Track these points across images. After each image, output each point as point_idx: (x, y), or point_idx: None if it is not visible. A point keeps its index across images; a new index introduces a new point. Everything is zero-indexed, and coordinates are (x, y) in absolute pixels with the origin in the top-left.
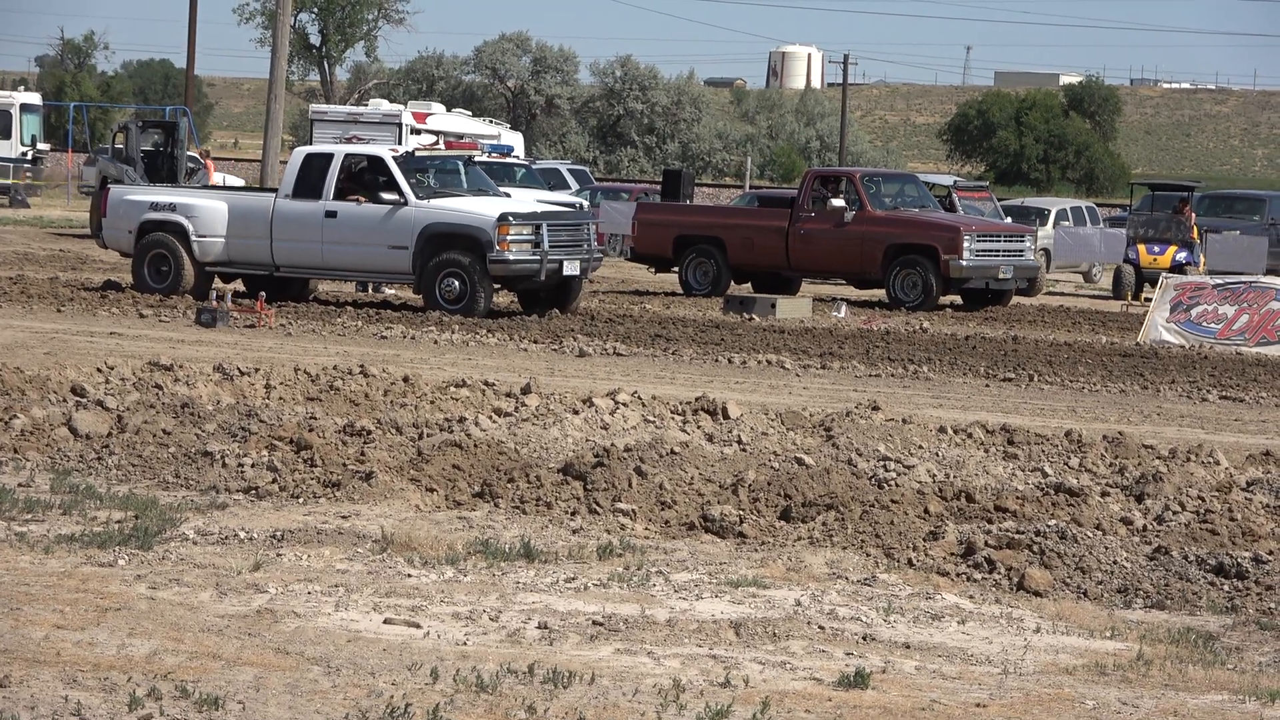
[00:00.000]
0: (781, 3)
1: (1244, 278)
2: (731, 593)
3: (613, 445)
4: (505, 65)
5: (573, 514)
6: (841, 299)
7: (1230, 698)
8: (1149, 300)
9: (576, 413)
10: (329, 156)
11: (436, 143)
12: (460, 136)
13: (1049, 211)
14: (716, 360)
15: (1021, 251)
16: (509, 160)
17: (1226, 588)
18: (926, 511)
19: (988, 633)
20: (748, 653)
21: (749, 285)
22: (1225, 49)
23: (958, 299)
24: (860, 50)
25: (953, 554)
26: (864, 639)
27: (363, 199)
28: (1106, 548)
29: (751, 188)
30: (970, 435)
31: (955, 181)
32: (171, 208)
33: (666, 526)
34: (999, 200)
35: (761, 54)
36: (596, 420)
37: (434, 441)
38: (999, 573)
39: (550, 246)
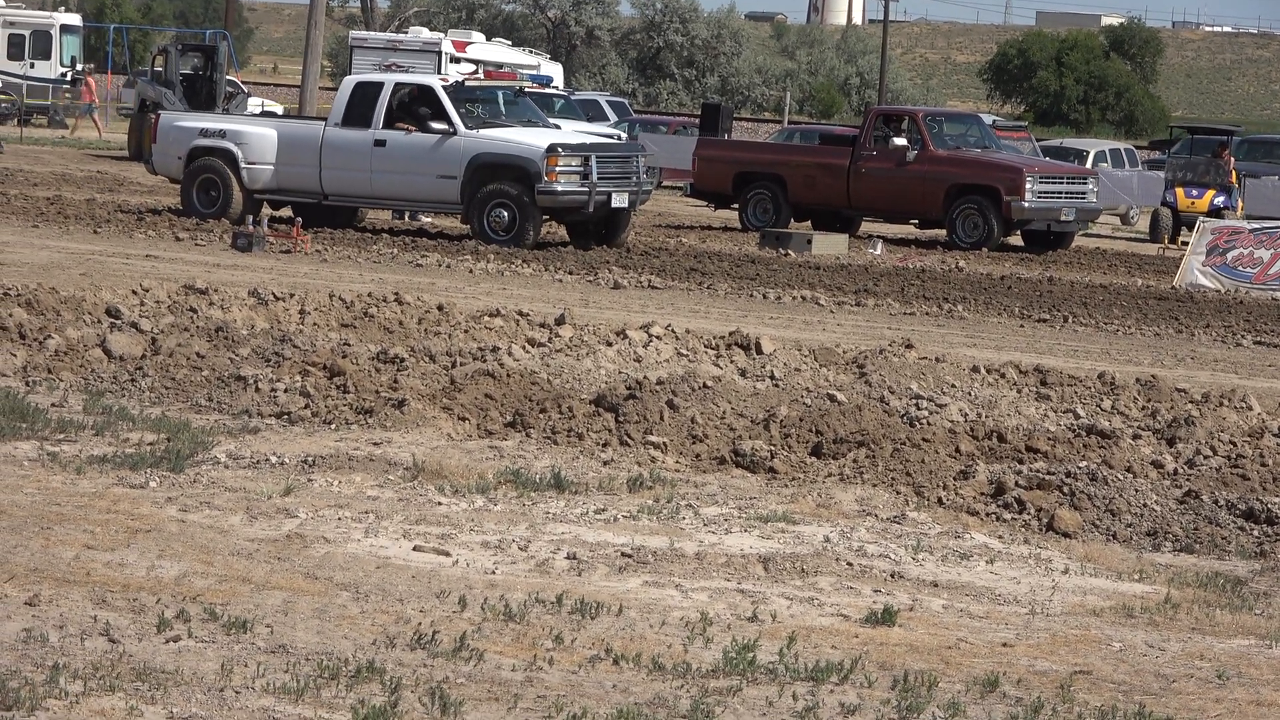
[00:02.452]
0: None
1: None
2: (761, 528)
3: (645, 378)
4: None
5: (604, 445)
6: (878, 236)
7: (1257, 642)
8: (1185, 244)
9: (610, 344)
10: (379, 85)
11: (476, 71)
12: (500, 66)
13: (1087, 153)
14: (751, 295)
15: (1084, 194)
16: (548, 91)
17: (1256, 533)
18: (958, 450)
19: (1016, 573)
20: (775, 588)
21: (809, 223)
22: None
23: (1019, 240)
24: None
25: (983, 494)
26: (892, 576)
27: (412, 128)
28: (1137, 490)
29: (790, 123)
30: (1003, 375)
31: (994, 121)
32: (221, 134)
33: (697, 460)
34: (1037, 140)
35: None
36: (630, 352)
37: (467, 370)
38: (1028, 513)
39: (599, 178)
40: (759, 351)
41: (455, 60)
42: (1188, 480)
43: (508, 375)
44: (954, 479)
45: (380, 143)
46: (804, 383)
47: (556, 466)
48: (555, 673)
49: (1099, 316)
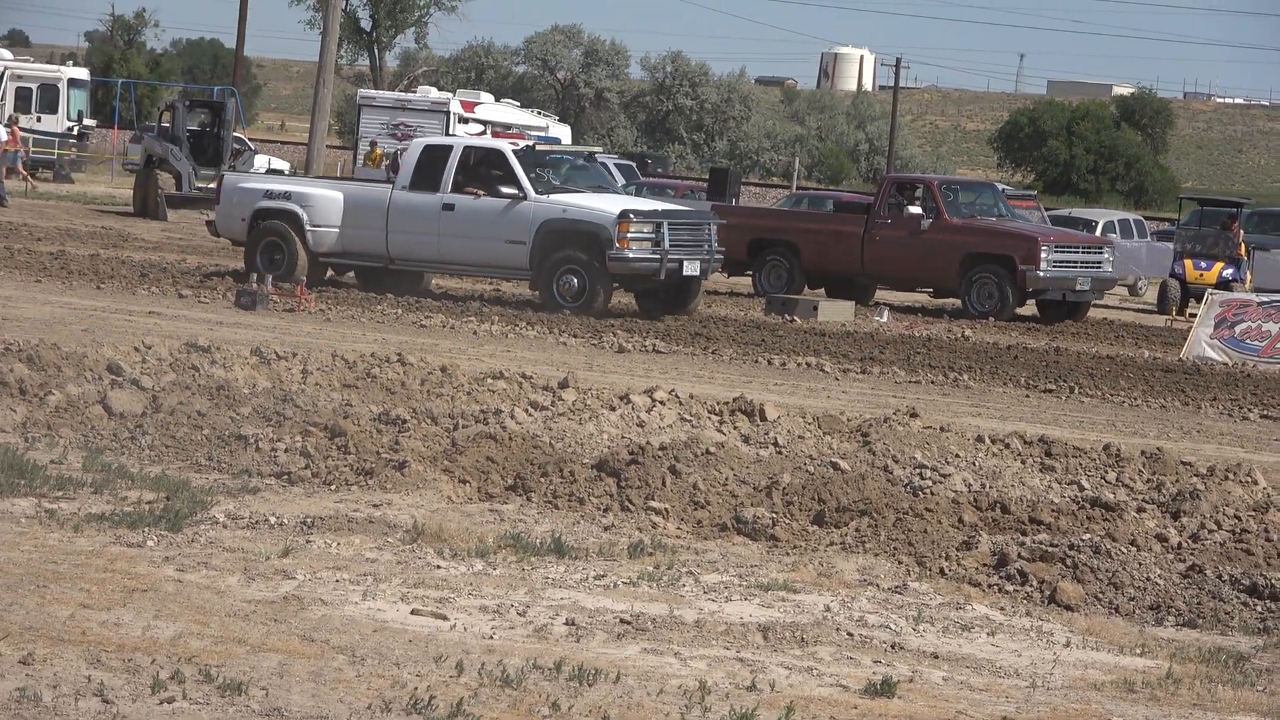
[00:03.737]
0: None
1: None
2: (761, 596)
3: (648, 443)
4: (556, 56)
5: (605, 510)
6: (884, 304)
7: (1261, 719)
8: (1194, 316)
9: (613, 409)
10: (448, 148)
11: (484, 132)
12: (508, 127)
13: (1096, 223)
14: (756, 361)
15: (1100, 263)
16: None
17: (1259, 609)
18: (961, 521)
19: (1017, 645)
20: (775, 657)
21: (823, 291)
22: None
23: (1034, 310)
24: (912, 54)
25: (985, 565)
26: (892, 647)
27: (481, 193)
28: (1140, 564)
29: (799, 188)
30: (1008, 445)
31: (1003, 189)
32: (287, 196)
33: (698, 527)
34: (1046, 210)
35: (813, 54)
36: (633, 417)
37: (469, 433)
38: (1031, 585)
39: (671, 245)
40: (763, 418)
41: (463, 120)
42: (1191, 554)
43: (509, 438)
44: (956, 549)
45: (449, 206)
46: (807, 450)
47: (557, 531)
48: None
49: (1105, 387)
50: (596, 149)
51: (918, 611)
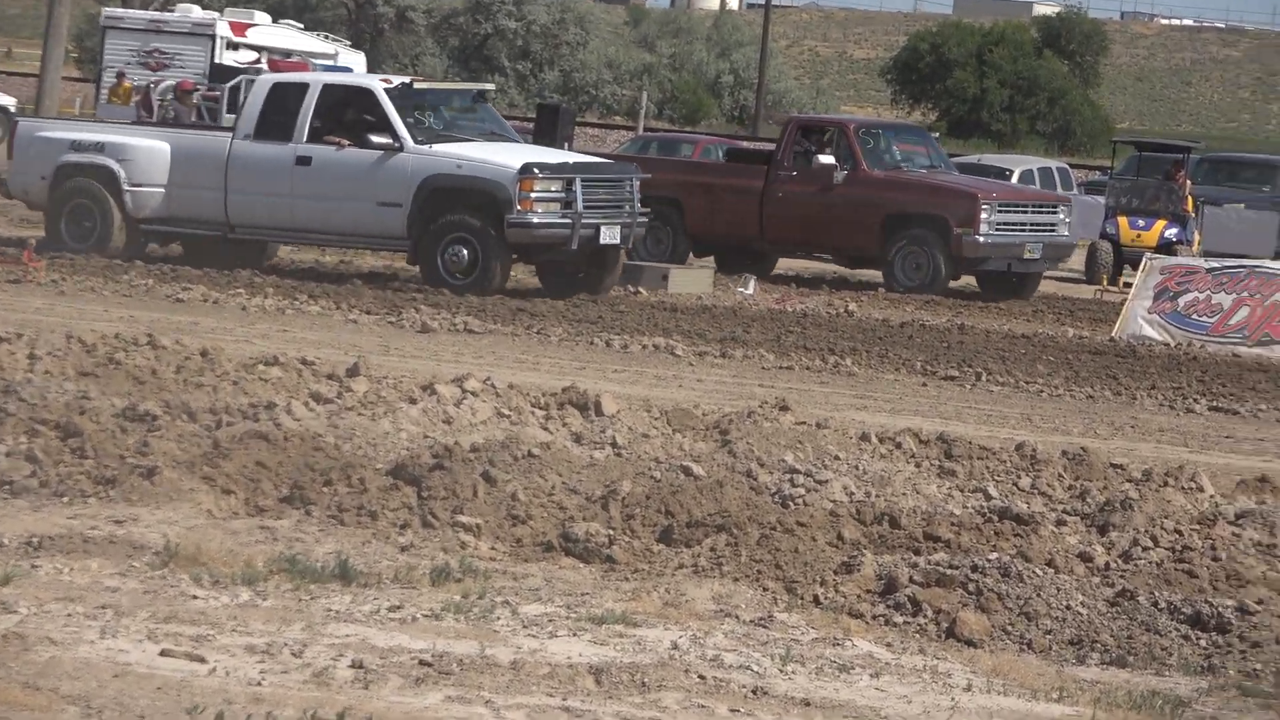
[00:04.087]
0: None
1: (1246, 261)
2: (594, 631)
3: (456, 444)
4: None
5: (403, 527)
6: (749, 274)
7: None
8: (1129, 285)
9: (414, 401)
10: (303, 87)
11: (258, 60)
12: (288, 54)
13: (1011, 172)
14: (592, 343)
15: (1054, 225)
16: None
17: (1203, 643)
18: (840, 538)
19: (907, 690)
20: (609, 705)
21: (712, 259)
22: None
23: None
24: None
25: (869, 591)
26: (754, 693)
27: (345, 143)
28: (1059, 589)
29: (646, 130)
30: (899, 445)
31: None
32: (99, 148)
33: (518, 546)
34: (951, 156)
35: None
36: (438, 412)
37: (235, 432)
38: (925, 616)
39: (585, 207)
40: (599, 413)
41: (233, 46)
42: (1122, 577)
43: (285, 439)
44: (834, 573)
45: (304, 160)
46: (653, 452)
47: (343, 553)
48: None
49: (1019, 373)
50: (488, 86)
51: (786, 649)
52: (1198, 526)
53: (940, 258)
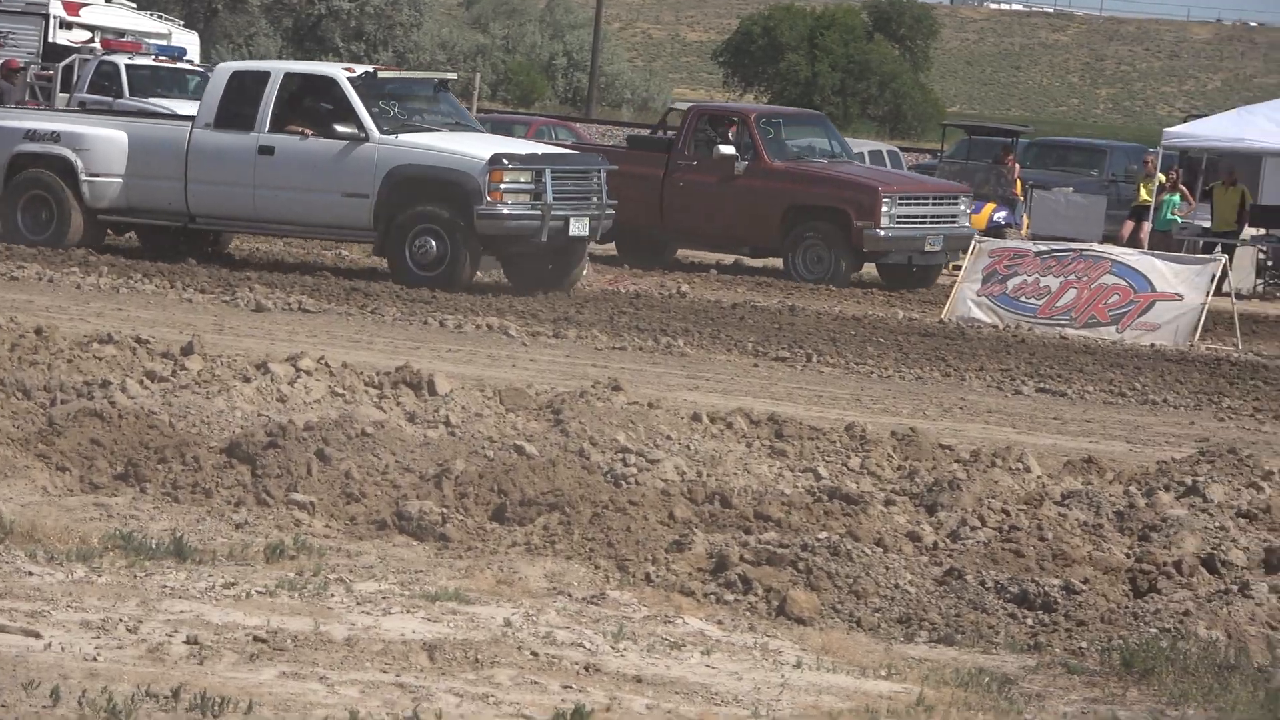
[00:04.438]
0: None
1: (1074, 245)
2: (427, 608)
3: (291, 422)
4: None
5: (237, 505)
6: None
7: None
8: (958, 269)
9: (248, 380)
10: (264, 75)
11: (91, 39)
12: (121, 34)
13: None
14: (426, 323)
15: (955, 217)
16: (180, 65)
17: (1030, 621)
18: (672, 517)
19: (737, 666)
20: (442, 682)
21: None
22: None
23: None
24: None
25: (701, 569)
26: (586, 669)
27: (309, 132)
28: (888, 568)
29: (480, 111)
30: (730, 425)
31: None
32: (55, 137)
33: (352, 524)
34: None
35: None
36: (272, 390)
37: (69, 410)
38: (755, 594)
39: (554, 199)
40: (432, 392)
41: (66, 25)
42: (950, 557)
43: (120, 416)
44: (666, 551)
45: (268, 150)
46: (486, 431)
47: (177, 530)
48: None
49: (850, 355)
50: (449, 75)
51: (618, 626)
52: (1025, 507)
53: (841, 251)
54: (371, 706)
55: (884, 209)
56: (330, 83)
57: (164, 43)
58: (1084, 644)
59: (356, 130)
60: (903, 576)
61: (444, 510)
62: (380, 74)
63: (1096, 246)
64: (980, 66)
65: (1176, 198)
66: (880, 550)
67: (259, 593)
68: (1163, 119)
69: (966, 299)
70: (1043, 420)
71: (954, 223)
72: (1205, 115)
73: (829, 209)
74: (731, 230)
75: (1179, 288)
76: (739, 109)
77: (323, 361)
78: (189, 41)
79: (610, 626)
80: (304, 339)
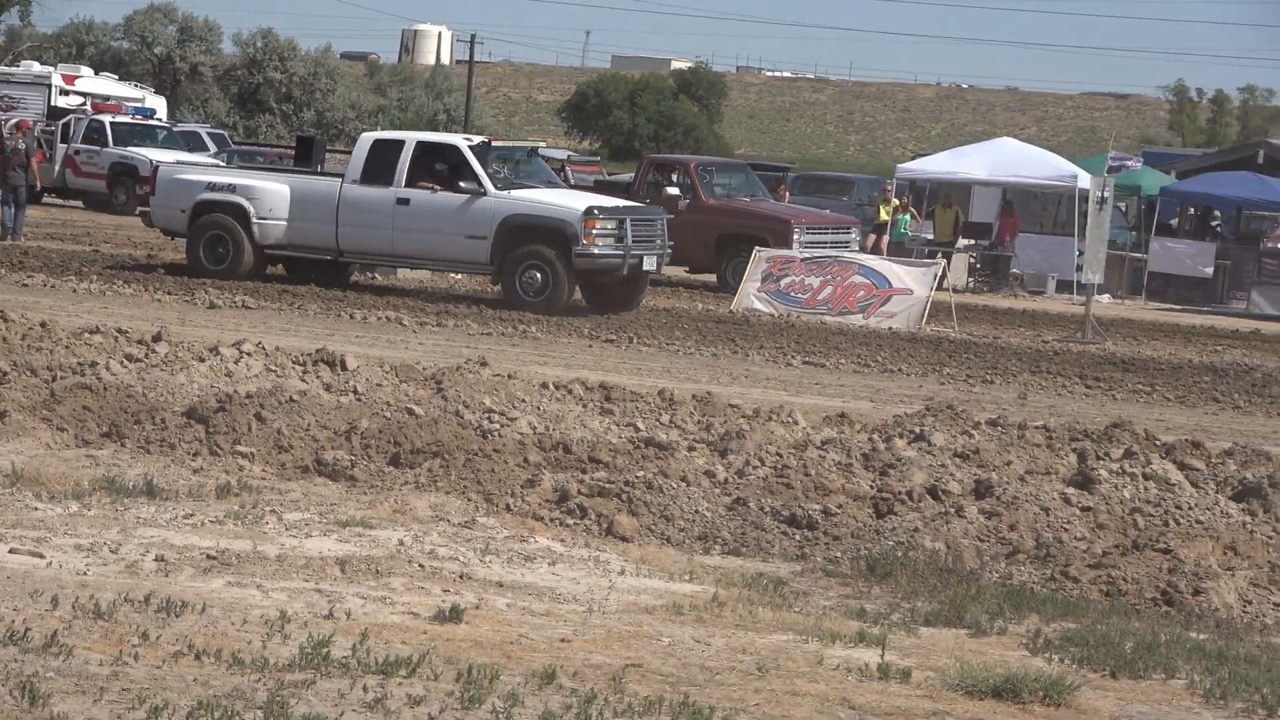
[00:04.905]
0: None
1: (830, 252)
2: (339, 532)
3: (235, 391)
4: (153, 33)
5: (194, 455)
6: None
7: (795, 637)
8: (744, 271)
9: (203, 360)
10: (400, 143)
11: (84, 103)
12: (107, 98)
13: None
14: (339, 316)
15: (848, 243)
16: (151, 122)
17: (797, 537)
18: (526, 461)
19: (576, 574)
20: (351, 588)
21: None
22: (824, 41)
23: None
24: (487, 31)
25: (548, 501)
26: (460, 577)
27: (437, 187)
28: (690, 498)
29: None
30: (570, 391)
31: (569, 155)
32: (231, 188)
33: (282, 469)
34: (611, 174)
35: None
36: (221, 368)
37: (66, 384)
38: (590, 519)
39: (633, 241)
40: (344, 368)
41: (65, 93)
42: (737, 489)
43: (105, 388)
44: (521, 487)
45: (404, 201)
46: (385, 397)
47: (149, 474)
48: (141, 667)
49: (661, 338)
50: (540, 144)
51: (485, 544)
52: (793, 450)
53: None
54: (297, 607)
55: (795, 236)
56: (454, 149)
57: (139, 105)
58: (839, 554)
59: (477, 186)
60: (701, 504)
61: (352, 458)
62: (493, 143)
63: (846, 254)
64: (759, 119)
65: (907, 216)
66: (684, 484)
67: (211, 522)
68: (897, 157)
69: (750, 294)
70: (807, 385)
71: (849, 247)
72: (929, 155)
73: (752, 236)
74: (676, 253)
75: (910, 284)
76: (682, 160)
77: (260, 346)
78: (158, 104)
79: (479, 545)
80: (246, 329)
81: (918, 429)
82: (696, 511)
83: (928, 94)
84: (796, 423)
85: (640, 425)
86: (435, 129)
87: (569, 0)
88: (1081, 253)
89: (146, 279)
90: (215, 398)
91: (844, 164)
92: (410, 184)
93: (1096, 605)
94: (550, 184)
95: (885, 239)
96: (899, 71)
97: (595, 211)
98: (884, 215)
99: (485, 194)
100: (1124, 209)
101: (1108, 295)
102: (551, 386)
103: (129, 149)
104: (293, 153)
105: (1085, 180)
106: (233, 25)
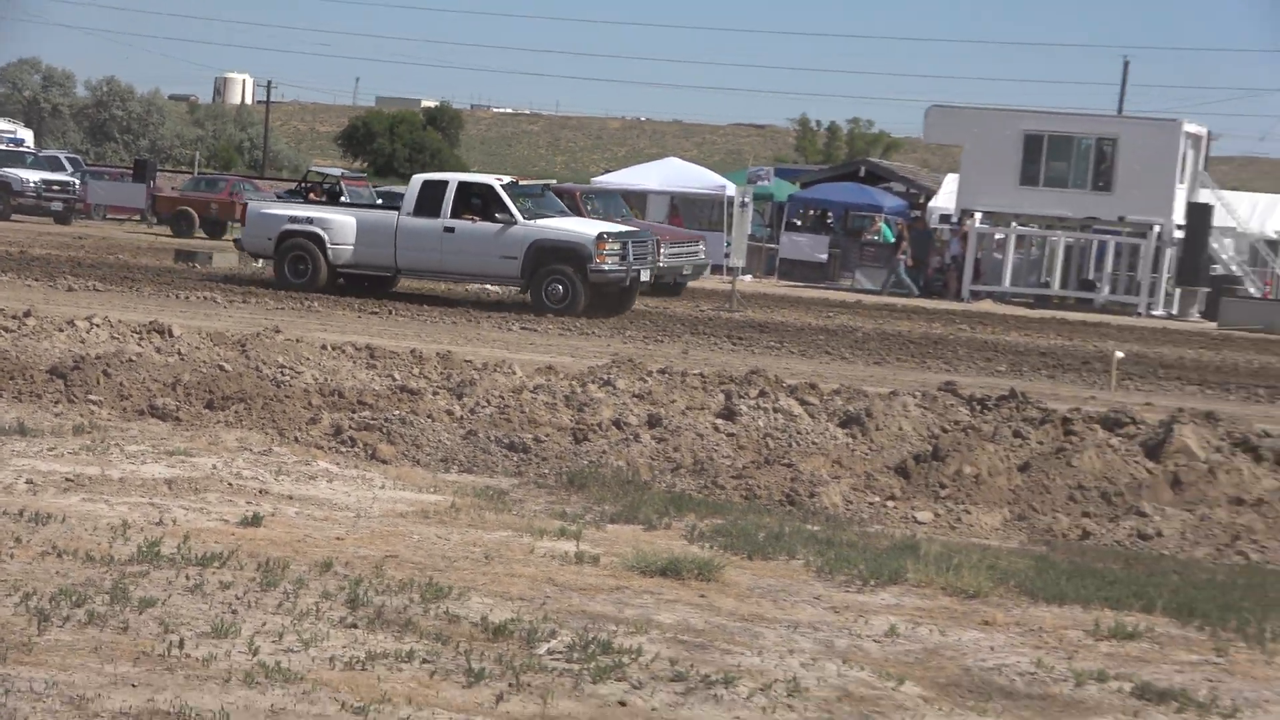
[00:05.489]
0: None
1: None
2: (167, 459)
3: (87, 354)
4: (22, 80)
5: (56, 403)
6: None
7: (513, 533)
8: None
9: (62, 330)
10: (444, 182)
11: None
12: None
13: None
14: (168, 296)
15: (696, 253)
16: (21, 150)
17: (515, 459)
18: (309, 404)
19: (348, 488)
20: (176, 501)
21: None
22: (537, 85)
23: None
24: (280, 77)
25: (326, 434)
26: (260, 493)
27: (476, 218)
28: (434, 430)
29: (199, 173)
30: (344, 351)
31: (343, 172)
32: (309, 220)
33: (124, 412)
34: (376, 186)
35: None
36: (76, 336)
37: None
38: (358, 447)
39: (634, 259)
40: (170, 335)
41: None
42: (470, 423)
43: None
44: (306, 424)
45: (450, 229)
46: (202, 357)
47: (20, 418)
48: (15, 564)
49: (413, 310)
50: (551, 182)
51: (278, 467)
52: (513, 393)
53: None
54: (135, 517)
55: (662, 249)
56: (489, 188)
57: (12, 135)
58: (546, 471)
59: (509, 217)
60: (443, 435)
61: (177, 403)
62: (520, 182)
63: None
64: (489, 145)
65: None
66: (430, 420)
67: (69, 453)
68: (592, 174)
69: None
70: (524, 346)
71: (696, 256)
72: (616, 171)
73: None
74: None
75: None
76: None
77: (106, 319)
78: (28, 135)
79: (274, 468)
80: (96, 306)
81: (606, 376)
82: (439, 440)
83: (615, 125)
84: (515, 373)
85: (396, 376)
86: (241, 153)
87: (342, 54)
88: (729, 244)
89: (19, 270)
90: (71, 359)
91: (553, 178)
92: (455, 215)
93: (738, 506)
94: (562, 213)
95: None
96: (593, 108)
97: (605, 236)
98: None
99: (516, 223)
100: (762, 212)
101: (749, 275)
102: (329, 348)
103: (4, 169)
104: (131, 170)
105: (732, 189)
106: (84, 73)
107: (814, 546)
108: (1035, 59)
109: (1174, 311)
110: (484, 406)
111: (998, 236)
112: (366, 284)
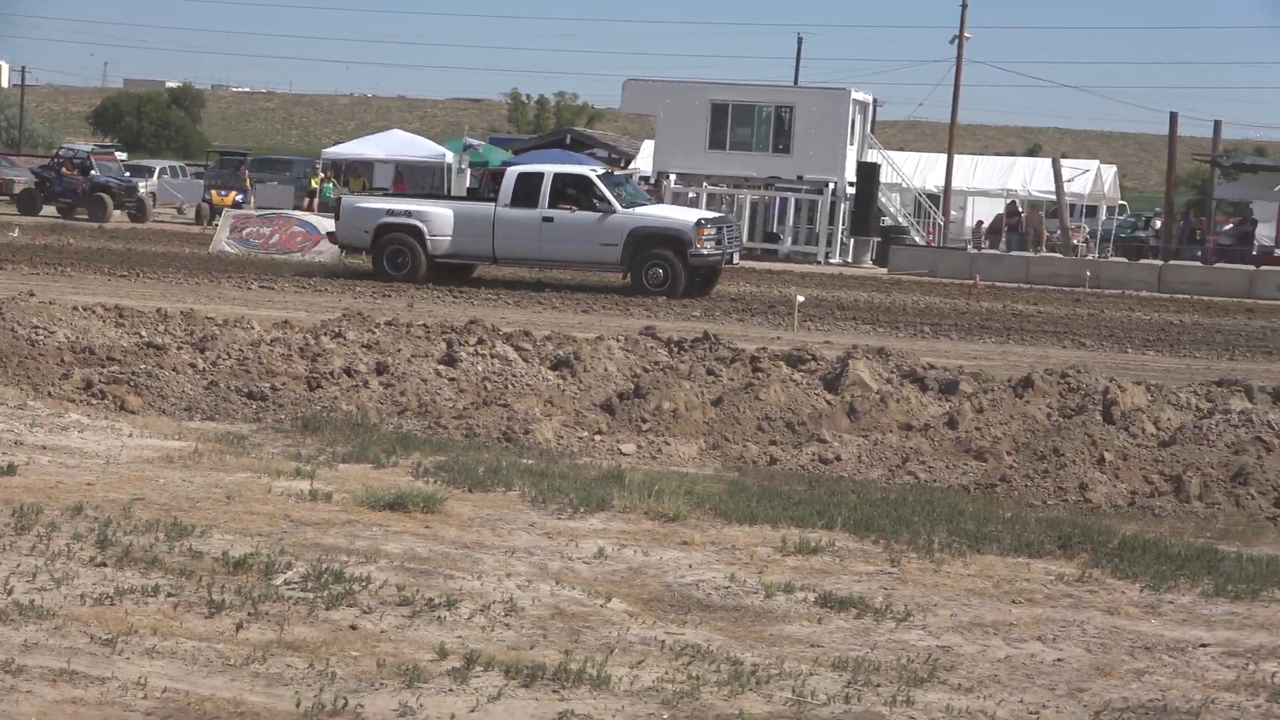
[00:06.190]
0: None
1: (277, 210)
2: None
3: None
4: None
5: None
6: (16, 224)
7: (252, 475)
8: (217, 225)
9: None
10: (540, 175)
11: None
12: None
13: (155, 168)
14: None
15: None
16: None
17: (254, 407)
18: (62, 360)
19: (99, 438)
20: None
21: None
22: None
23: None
24: (34, 62)
25: (78, 388)
26: (15, 444)
27: (573, 208)
28: (178, 382)
29: None
30: (94, 312)
31: (93, 147)
32: (407, 214)
33: None
34: (125, 159)
35: None
36: None
37: None
38: (108, 400)
39: (728, 242)
40: None
41: None
42: (212, 374)
43: None
44: (60, 379)
45: (548, 219)
46: None
47: None
48: None
49: (160, 272)
50: (630, 171)
51: (33, 420)
52: (251, 346)
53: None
54: None
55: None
56: (585, 178)
57: None
58: (283, 417)
59: (608, 206)
60: (186, 386)
61: None
62: (613, 173)
63: (288, 212)
64: (229, 121)
65: (330, 185)
66: (174, 373)
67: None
68: (324, 145)
69: (221, 241)
70: (262, 302)
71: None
72: (345, 143)
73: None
74: None
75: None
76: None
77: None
78: None
79: (28, 420)
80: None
81: (337, 329)
82: (183, 391)
83: (345, 101)
84: (253, 328)
85: (143, 333)
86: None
87: (92, 41)
88: None
89: None
90: None
91: (287, 150)
92: (552, 205)
93: (459, 444)
94: (648, 201)
95: (315, 201)
96: (325, 86)
97: (703, 222)
98: (314, 185)
99: (615, 211)
100: (477, 175)
101: None
102: (81, 309)
103: None
104: None
105: (450, 156)
106: None
107: (529, 478)
108: (721, 37)
109: (849, 259)
110: (225, 359)
111: (690, 195)
112: (447, 272)
